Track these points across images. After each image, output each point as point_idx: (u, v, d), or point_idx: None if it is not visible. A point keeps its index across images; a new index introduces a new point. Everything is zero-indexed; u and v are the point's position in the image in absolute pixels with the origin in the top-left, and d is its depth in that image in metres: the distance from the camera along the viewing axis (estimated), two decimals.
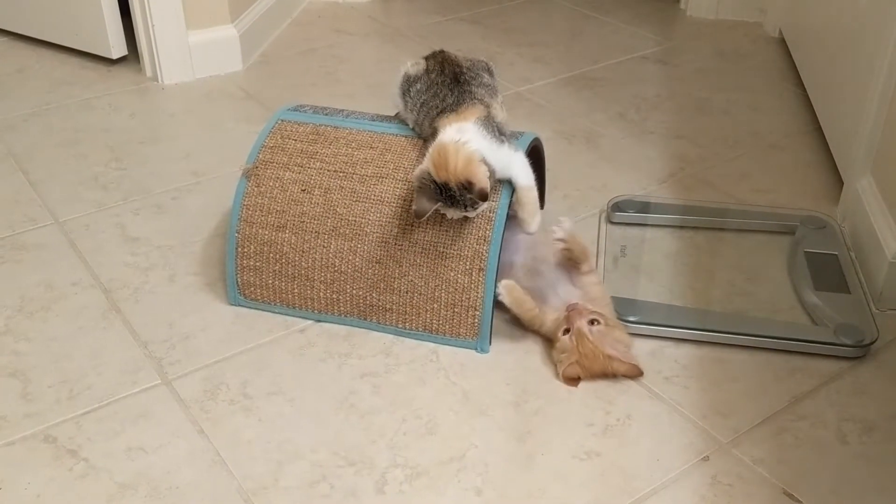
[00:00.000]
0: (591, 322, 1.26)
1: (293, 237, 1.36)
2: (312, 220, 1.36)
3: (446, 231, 1.31)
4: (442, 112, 1.31)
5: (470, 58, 1.41)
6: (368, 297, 1.35)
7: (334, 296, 1.36)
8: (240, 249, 1.39)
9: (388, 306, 1.35)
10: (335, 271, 1.35)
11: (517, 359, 1.32)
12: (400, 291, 1.33)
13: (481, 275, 1.30)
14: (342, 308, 1.37)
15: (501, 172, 1.29)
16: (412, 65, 1.40)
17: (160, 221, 1.64)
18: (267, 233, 1.37)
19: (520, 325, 1.36)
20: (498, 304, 1.33)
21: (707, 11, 2.60)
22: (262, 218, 1.37)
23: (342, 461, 1.15)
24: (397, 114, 1.45)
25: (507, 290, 1.30)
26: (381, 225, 1.33)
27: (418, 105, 1.35)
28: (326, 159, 1.38)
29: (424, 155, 1.27)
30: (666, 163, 1.84)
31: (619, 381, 1.27)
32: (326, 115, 1.46)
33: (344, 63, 2.30)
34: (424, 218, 1.25)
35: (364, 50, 2.40)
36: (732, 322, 1.37)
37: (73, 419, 1.21)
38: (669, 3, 2.71)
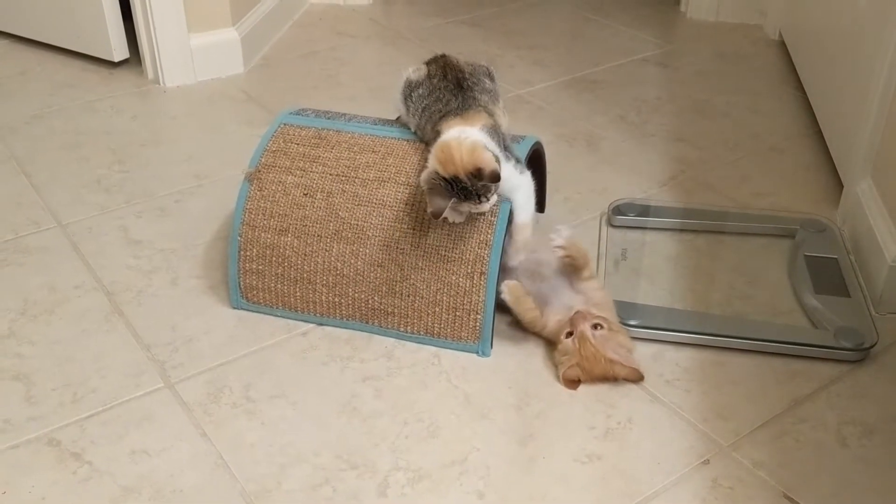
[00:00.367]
0: (595, 326, 1.27)
1: (295, 241, 1.37)
2: (315, 224, 1.36)
3: (448, 235, 1.31)
4: (445, 116, 1.31)
5: (471, 62, 1.41)
6: (370, 301, 1.35)
7: (336, 299, 1.37)
8: (242, 253, 1.39)
9: (390, 310, 1.35)
10: (337, 275, 1.36)
11: (519, 362, 1.33)
12: (402, 295, 1.34)
13: (483, 278, 1.30)
14: (344, 311, 1.37)
15: (504, 191, 1.28)
16: (413, 70, 1.40)
17: (163, 224, 1.64)
18: (269, 236, 1.38)
19: (521, 328, 1.36)
20: (499, 308, 1.34)
21: (707, 14, 2.60)
22: (265, 221, 1.38)
23: (344, 464, 1.15)
24: (398, 118, 1.45)
25: (510, 289, 1.31)
26: (383, 229, 1.33)
27: (420, 110, 1.36)
28: (329, 163, 1.39)
29: (426, 159, 1.27)
30: (666, 166, 1.85)
31: (621, 385, 1.28)
32: (329, 118, 1.47)
33: (345, 66, 2.30)
34: (441, 217, 1.25)
35: (365, 52, 2.40)
36: (733, 325, 1.38)
37: (76, 422, 1.21)
38: (669, 6, 2.72)
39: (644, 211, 1.65)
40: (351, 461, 1.16)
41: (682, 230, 1.62)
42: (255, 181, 1.40)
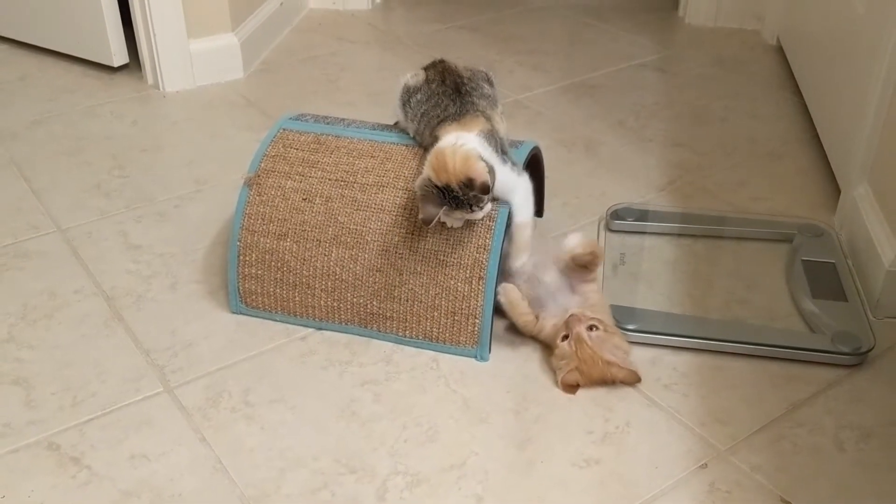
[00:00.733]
0: (590, 328, 1.27)
1: (294, 245, 1.37)
2: (314, 229, 1.37)
3: (446, 239, 1.32)
4: (443, 121, 1.32)
5: (470, 67, 1.42)
6: (369, 306, 1.36)
7: (335, 304, 1.37)
8: (241, 258, 1.39)
9: (388, 314, 1.35)
10: (336, 279, 1.36)
11: (517, 366, 1.33)
12: (400, 300, 1.34)
13: (481, 283, 1.31)
14: (343, 316, 1.38)
15: (502, 193, 1.29)
16: (412, 76, 1.41)
17: (162, 229, 1.65)
18: (268, 241, 1.38)
19: (519, 332, 1.37)
20: (497, 312, 1.34)
21: (705, 19, 2.61)
22: (264, 226, 1.38)
23: (343, 469, 1.15)
24: (397, 123, 1.46)
25: (505, 292, 1.32)
26: (382, 233, 1.34)
27: (419, 115, 1.36)
28: (328, 168, 1.39)
29: (424, 164, 1.28)
30: (664, 170, 1.85)
31: (619, 389, 1.28)
32: (328, 124, 1.47)
33: (345, 71, 2.31)
34: (432, 224, 1.26)
35: (365, 58, 2.41)
36: (731, 330, 1.38)
37: (76, 427, 1.21)
38: (668, 11, 2.73)
39: (642, 215, 1.65)
40: (350, 465, 1.16)
41: (680, 235, 1.63)
42: (255, 186, 1.40)
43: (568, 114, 2.09)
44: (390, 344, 1.37)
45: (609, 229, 1.64)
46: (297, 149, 1.43)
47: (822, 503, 1.11)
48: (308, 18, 2.66)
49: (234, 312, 1.43)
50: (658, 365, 1.33)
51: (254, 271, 1.39)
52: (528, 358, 1.34)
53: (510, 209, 1.31)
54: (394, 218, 1.34)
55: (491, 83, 1.41)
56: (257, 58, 2.36)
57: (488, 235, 1.31)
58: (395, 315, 1.35)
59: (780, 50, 2.42)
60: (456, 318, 1.33)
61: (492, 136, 1.29)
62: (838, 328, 1.36)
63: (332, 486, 1.13)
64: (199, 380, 1.30)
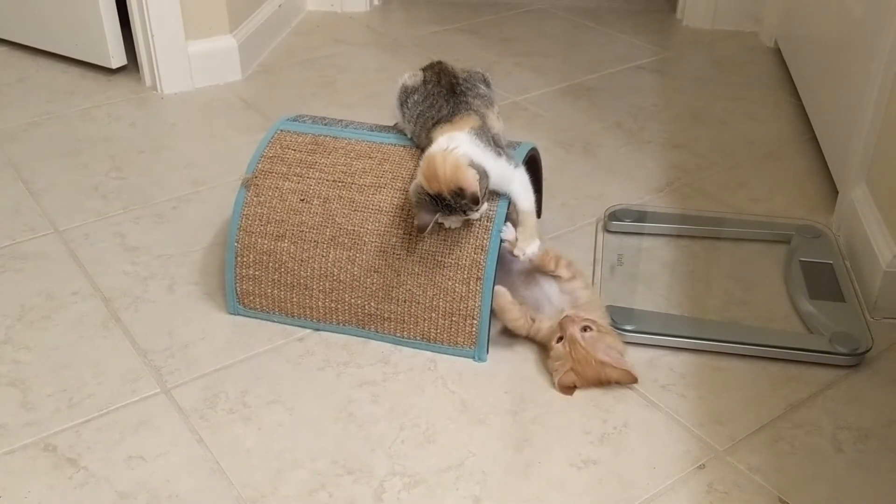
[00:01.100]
0: (584, 329, 1.27)
1: (292, 246, 1.37)
2: (311, 230, 1.36)
3: (444, 240, 1.32)
4: (437, 123, 1.32)
5: (467, 68, 1.42)
6: (367, 307, 1.36)
7: (333, 305, 1.37)
8: (239, 259, 1.39)
9: (386, 315, 1.35)
10: (334, 280, 1.36)
11: (515, 367, 1.33)
12: (398, 300, 1.34)
13: (479, 284, 1.31)
14: (341, 317, 1.38)
15: (499, 186, 1.30)
16: (410, 76, 1.41)
17: (160, 231, 1.65)
18: (266, 242, 1.38)
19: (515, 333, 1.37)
20: (495, 313, 1.34)
21: (703, 21, 2.62)
22: (262, 227, 1.38)
23: (341, 469, 1.15)
24: (396, 124, 1.46)
25: (495, 298, 1.31)
26: (380, 234, 1.34)
27: (415, 116, 1.36)
28: (325, 169, 1.39)
29: (418, 169, 1.28)
30: (662, 172, 1.85)
31: (616, 390, 1.28)
32: (325, 125, 1.47)
33: (343, 73, 2.31)
34: (427, 231, 1.26)
35: (363, 60, 2.41)
36: (729, 331, 1.38)
37: (72, 428, 1.21)
38: (665, 13, 2.73)
39: (640, 217, 1.65)
40: (347, 466, 1.16)
41: (678, 236, 1.63)
42: (252, 187, 1.40)
43: (566, 115, 2.09)
44: (388, 345, 1.37)
45: (607, 230, 1.64)
46: (295, 150, 1.43)
47: None
48: (306, 20, 2.66)
49: (231, 313, 1.43)
50: (656, 366, 1.33)
51: (251, 272, 1.39)
52: (525, 359, 1.34)
53: (510, 202, 1.31)
54: (391, 219, 1.34)
55: (487, 83, 1.41)
56: (255, 60, 2.36)
57: (486, 236, 1.31)
58: (392, 316, 1.35)
59: (777, 52, 2.42)
60: (454, 318, 1.33)
61: (483, 132, 1.29)
62: (836, 329, 1.36)
63: (330, 486, 1.13)
64: (196, 381, 1.30)
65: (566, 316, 1.29)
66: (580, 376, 1.26)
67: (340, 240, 1.35)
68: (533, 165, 1.49)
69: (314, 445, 1.19)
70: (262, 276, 1.39)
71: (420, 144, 1.37)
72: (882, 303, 1.42)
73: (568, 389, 1.27)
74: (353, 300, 1.36)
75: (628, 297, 1.46)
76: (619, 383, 1.27)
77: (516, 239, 1.32)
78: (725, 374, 1.31)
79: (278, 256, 1.37)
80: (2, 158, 1.88)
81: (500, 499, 1.12)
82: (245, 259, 1.39)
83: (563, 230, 1.64)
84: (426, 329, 1.34)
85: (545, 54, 2.44)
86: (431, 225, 1.25)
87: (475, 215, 1.25)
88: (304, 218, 1.37)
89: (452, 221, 1.28)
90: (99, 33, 2.18)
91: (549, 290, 1.35)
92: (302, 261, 1.37)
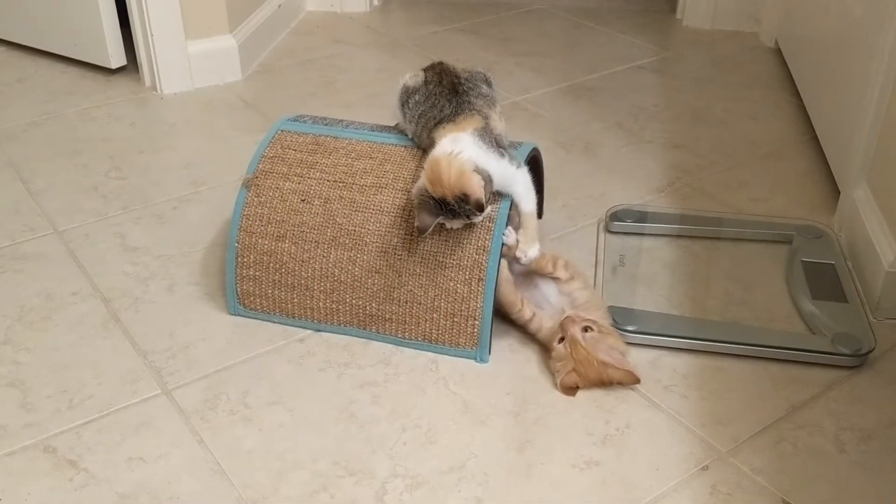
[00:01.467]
0: (585, 329, 1.27)
1: (293, 247, 1.36)
2: (312, 230, 1.36)
3: (445, 241, 1.31)
4: (440, 122, 1.31)
5: (468, 69, 1.41)
6: (368, 307, 1.35)
7: (334, 305, 1.37)
8: (239, 259, 1.39)
9: (387, 316, 1.35)
10: (335, 281, 1.35)
11: (516, 368, 1.32)
12: (399, 301, 1.34)
13: (481, 284, 1.30)
14: (342, 318, 1.37)
15: (502, 187, 1.29)
16: (411, 76, 1.40)
17: (160, 231, 1.64)
18: (267, 243, 1.37)
19: (519, 334, 1.36)
20: (497, 313, 1.33)
21: (703, 21, 2.61)
22: (262, 228, 1.38)
23: (342, 471, 1.15)
24: (397, 124, 1.45)
25: (500, 283, 1.30)
26: (381, 235, 1.33)
27: (417, 116, 1.36)
28: (326, 169, 1.39)
29: (423, 166, 1.28)
30: (663, 172, 1.85)
31: (618, 391, 1.27)
32: (326, 125, 1.47)
33: (343, 73, 2.31)
34: (427, 233, 1.26)
35: (362, 60, 2.41)
36: (730, 331, 1.38)
37: (73, 429, 1.21)
38: (665, 13, 2.73)
39: (641, 217, 1.65)
40: (349, 468, 1.15)
41: (679, 236, 1.62)
42: (253, 188, 1.40)
43: (567, 116, 2.09)
44: (389, 346, 1.36)
45: (608, 231, 1.63)
46: (296, 150, 1.42)
47: None
48: (306, 21, 2.66)
49: (232, 314, 1.42)
50: (658, 366, 1.33)
51: (252, 273, 1.39)
52: (527, 360, 1.34)
53: (511, 202, 1.31)
54: (393, 219, 1.33)
55: (489, 83, 1.40)
56: (255, 60, 2.35)
57: (487, 237, 1.31)
58: (394, 317, 1.35)
59: (778, 52, 2.42)
60: (455, 319, 1.32)
61: (486, 132, 1.28)
62: (838, 329, 1.35)
63: (331, 488, 1.12)
64: (197, 382, 1.29)
65: (567, 317, 1.28)
66: (582, 377, 1.26)
67: (341, 240, 1.35)
68: (534, 166, 1.48)
69: (315, 446, 1.18)
70: (263, 276, 1.38)
71: (421, 145, 1.36)
72: (884, 303, 1.41)
73: (570, 390, 1.26)
74: (354, 301, 1.35)
75: (630, 298, 1.45)
76: (621, 384, 1.27)
77: (517, 242, 1.32)
78: (727, 375, 1.31)
79: (279, 257, 1.37)
80: (1, 158, 1.88)
81: (503, 500, 1.11)
82: (246, 259, 1.39)
83: (565, 230, 1.64)
84: (428, 330, 1.34)
85: (545, 54, 2.43)
86: (431, 229, 1.25)
87: (478, 220, 1.25)
88: (304, 218, 1.37)
89: (455, 224, 1.27)
90: (98, 33, 2.18)
91: (547, 291, 1.35)
92: (303, 261, 1.36)
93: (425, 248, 1.32)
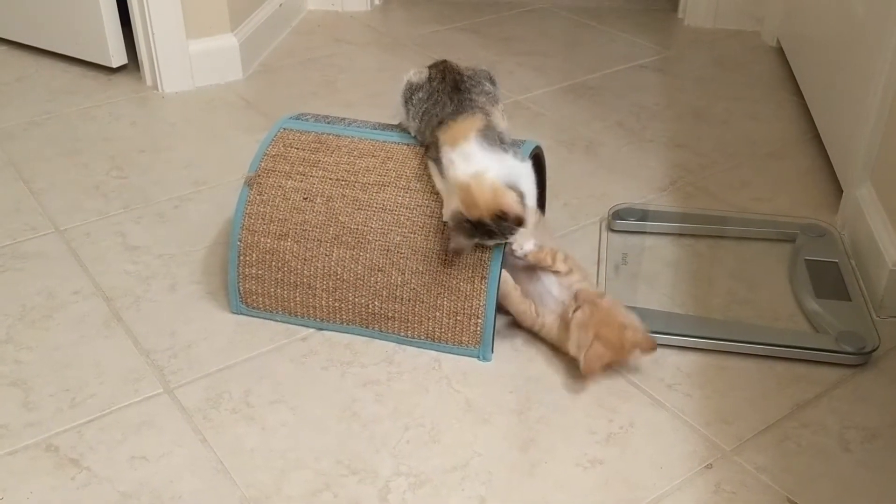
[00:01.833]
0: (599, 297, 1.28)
1: (295, 245, 1.36)
2: (314, 229, 1.36)
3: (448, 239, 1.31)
4: (442, 121, 1.31)
5: (472, 67, 1.41)
6: (370, 306, 1.35)
7: (336, 304, 1.36)
8: (242, 258, 1.39)
9: (390, 314, 1.35)
10: (337, 279, 1.35)
11: (520, 367, 1.32)
12: (402, 299, 1.33)
13: (483, 282, 1.30)
14: (344, 316, 1.37)
15: (509, 183, 1.29)
16: (415, 73, 1.40)
17: (161, 230, 1.64)
18: (269, 241, 1.37)
19: (522, 332, 1.36)
20: (500, 311, 1.33)
21: (704, 21, 2.61)
22: (264, 226, 1.37)
23: (345, 470, 1.14)
24: (399, 123, 1.45)
25: (500, 283, 1.30)
26: (384, 233, 1.33)
27: (420, 113, 1.35)
28: (328, 168, 1.39)
29: (426, 163, 1.28)
30: (666, 171, 1.85)
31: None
32: (328, 123, 1.47)
33: (344, 72, 2.30)
34: (462, 254, 1.28)
35: (363, 59, 2.41)
36: (734, 330, 1.38)
37: (74, 428, 1.20)
38: (667, 13, 2.73)
39: (644, 216, 1.65)
40: (351, 466, 1.15)
41: (681, 235, 1.62)
42: (255, 186, 1.39)
43: (568, 115, 2.09)
44: (392, 344, 1.36)
45: (611, 229, 1.63)
46: (298, 148, 1.42)
47: (827, 503, 1.11)
48: (307, 20, 2.65)
49: (234, 313, 1.42)
50: (661, 365, 1.32)
51: (254, 271, 1.38)
52: (531, 358, 1.34)
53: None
54: (395, 217, 1.33)
55: (493, 81, 1.40)
56: (256, 59, 2.35)
57: None
58: (396, 315, 1.34)
59: (780, 51, 2.42)
60: (458, 317, 1.32)
61: (490, 131, 1.28)
62: (842, 328, 1.35)
63: (334, 487, 1.12)
64: (199, 380, 1.29)
65: (578, 290, 1.28)
66: (604, 341, 1.23)
67: (344, 238, 1.34)
68: (537, 164, 1.48)
69: (318, 445, 1.18)
70: (265, 275, 1.38)
71: (424, 143, 1.36)
72: (888, 301, 1.41)
73: (595, 365, 1.23)
74: (356, 299, 1.35)
75: (632, 296, 1.45)
76: (639, 348, 1.26)
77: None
78: (731, 374, 1.31)
79: (281, 255, 1.37)
80: (2, 158, 1.87)
81: (506, 499, 1.11)
82: (248, 258, 1.38)
83: (567, 229, 1.64)
84: (430, 328, 1.33)
85: (546, 53, 2.43)
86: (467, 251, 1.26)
87: (516, 237, 1.25)
88: (307, 216, 1.36)
89: (492, 243, 1.27)
90: (99, 32, 2.17)
91: (549, 284, 1.35)
92: (305, 260, 1.36)
93: (428, 246, 1.32)
